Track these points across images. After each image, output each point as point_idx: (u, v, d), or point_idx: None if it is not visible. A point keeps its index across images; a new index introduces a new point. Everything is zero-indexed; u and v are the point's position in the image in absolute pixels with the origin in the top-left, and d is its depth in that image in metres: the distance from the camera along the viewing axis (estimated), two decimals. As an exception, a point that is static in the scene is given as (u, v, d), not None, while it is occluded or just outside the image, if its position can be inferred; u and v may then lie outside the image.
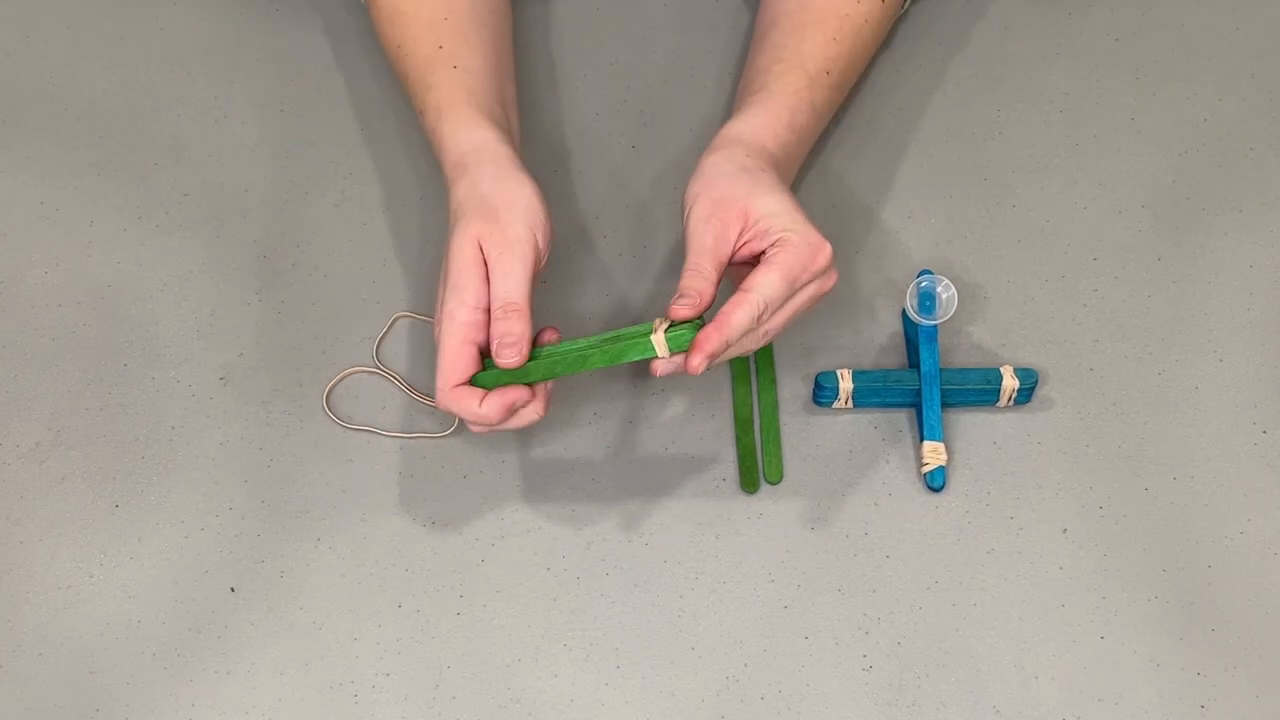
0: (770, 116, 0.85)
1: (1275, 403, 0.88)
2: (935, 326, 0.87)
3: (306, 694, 0.80)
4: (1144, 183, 0.96)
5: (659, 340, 0.77)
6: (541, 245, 0.80)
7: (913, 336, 0.88)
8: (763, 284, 0.77)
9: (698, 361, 0.76)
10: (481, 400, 0.78)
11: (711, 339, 0.76)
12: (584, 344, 0.79)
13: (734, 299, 0.77)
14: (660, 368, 0.78)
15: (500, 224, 0.79)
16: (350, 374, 0.90)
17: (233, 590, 0.83)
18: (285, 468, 0.87)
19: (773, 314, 0.78)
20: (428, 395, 0.89)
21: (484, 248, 0.79)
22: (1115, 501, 0.85)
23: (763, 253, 0.79)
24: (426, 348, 0.90)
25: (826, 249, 0.79)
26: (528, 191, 0.81)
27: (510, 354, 0.78)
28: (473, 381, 0.78)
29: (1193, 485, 0.86)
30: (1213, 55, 1.01)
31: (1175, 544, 0.84)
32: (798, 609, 0.82)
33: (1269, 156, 0.97)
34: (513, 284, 0.78)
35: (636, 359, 0.78)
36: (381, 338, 0.91)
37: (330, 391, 0.89)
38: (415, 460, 0.87)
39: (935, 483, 0.85)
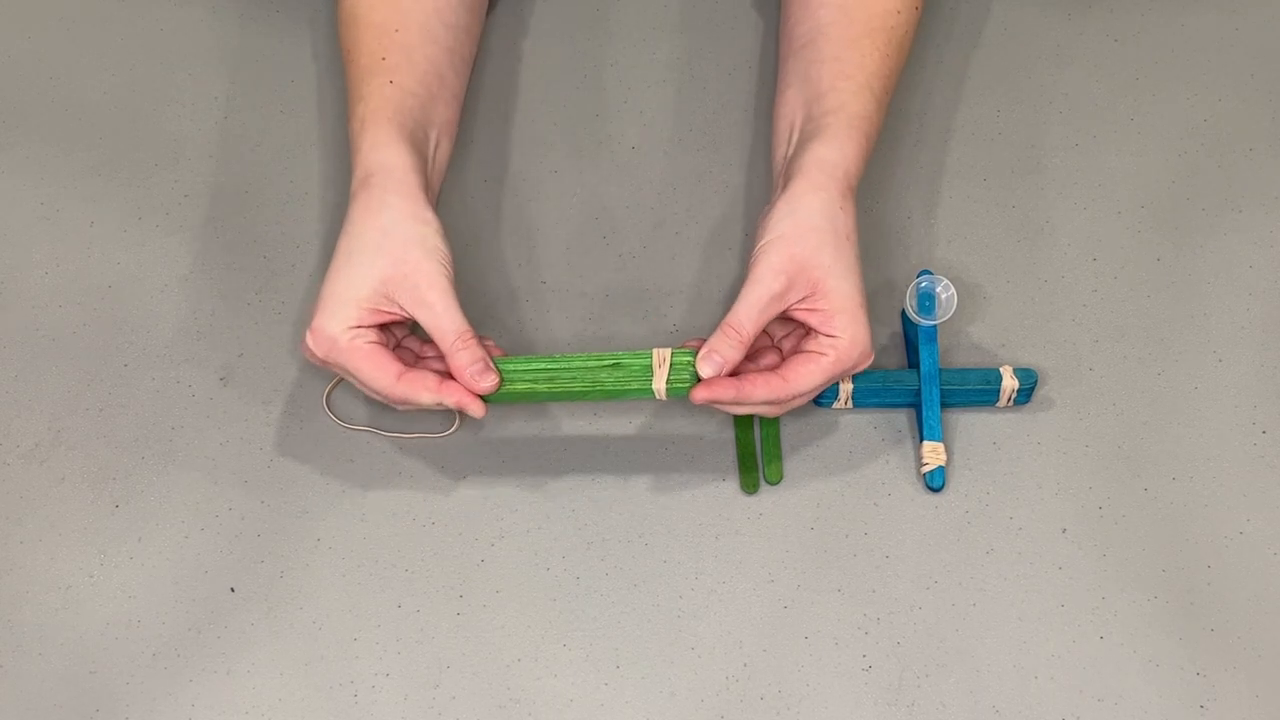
0: (856, 146, 0.85)
1: (1275, 403, 0.88)
2: (935, 327, 0.87)
3: (306, 694, 0.80)
4: (1144, 183, 0.96)
5: (659, 389, 0.80)
6: (450, 275, 0.81)
7: (912, 337, 0.88)
8: (802, 378, 0.80)
9: (702, 397, 0.79)
10: (438, 385, 0.79)
11: (727, 391, 0.79)
12: (577, 362, 0.80)
13: (766, 375, 0.80)
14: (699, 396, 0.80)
15: (408, 266, 0.79)
16: (350, 374, 0.90)
17: (233, 590, 0.83)
18: (285, 468, 0.87)
19: (796, 399, 0.81)
20: (428, 395, 0.89)
21: (392, 292, 0.79)
22: (1115, 502, 0.85)
23: (809, 331, 0.81)
24: (426, 348, 0.90)
25: (870, 356, 0.81)
26: (431, 231, 0.81)
27: (488, 378, 0.79)
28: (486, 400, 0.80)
29: (1192, 485, 0.86)
30: (1213, 55, 1.01)
31: (1175, 544, 0.84)
32: (798, 609, 0.82)
33: (1269, 156, 0.97)
34: (453, 316, 0.79)
35: (635, 398, 0.81)
36: (381, 338, 0.91)
37: (330, 391, 0.89)
38: (415, 460, 0.87)
39: (935, 483, 0.85)
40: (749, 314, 0.79)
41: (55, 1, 1.04)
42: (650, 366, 0.80)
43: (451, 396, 0.79)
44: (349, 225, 0.81)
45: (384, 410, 0.88)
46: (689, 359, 0.80)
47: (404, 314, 0.80)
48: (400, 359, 0.80)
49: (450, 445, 0.88)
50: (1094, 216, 0.95)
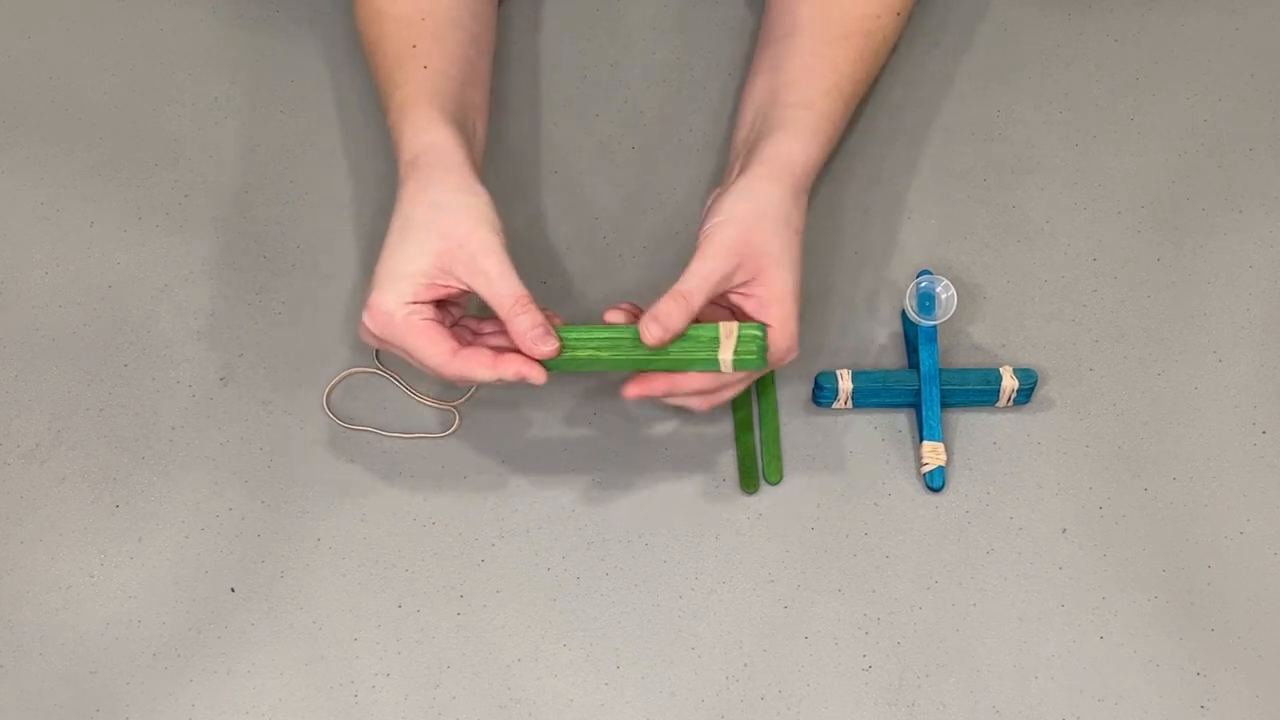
0: (818, 146, 0.85)
1: (1275, 403, 0.88)
2: (935, 327, 0.87)
3: (306, 694, 0.80)
4: (1144, 183, 0.96)
5: (726, 360, 0.78)
6: (504, 243, 0.80)
7: (912, 337, 0.88)
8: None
9: (634, 392, 0.79)
10: (494, 360, 0.78)
11: (659, 386, 0.79)
12: (620, 334, 0.79)
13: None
14: (631, 392, 0.80)
15: (461, 235, 0.78)
16: (350, 374, 0.90)
17: (233, 590, 0.83)
18: (285, 468, 0.87)
19: (726, 389, 0.81)
20: (428, 395, 0.89)
21: (448, 266, 0.78)
22: (1115, 502, 0.85)
23: (735, 318, 0.81)
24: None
25: (796, 351, 0.81)
26: (483, 203, 0.80)
27: (549, 342, 0.77)
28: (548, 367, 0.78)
29: (1192, 485, 0.86)
30: (1213, 55, 1.01)
31: (1175, 544, 0.84)
32: (798, 609, 0.82)
33: (1269, 156, 0.97)
34: (510, 281, 0.78)
35: (700, 370, 0.79)
36: (381, 338, 0.91)
37: (330, 391, 0.89)
38: (415, 460, 0.87)
39: (935, 483, 0.85)
40: (700, 285, 0.78)
41: (55, 1, 1.04)
42: (717, 338, 0.78)
43: (510, 368, 0.78)
44: (400, 205, 0.81)
45: (384, 410, 0.88)
46: (757, 333, 0.78)
47: (461, 286, 0.79)
48: (457, 337, 0.80)
49: (450, 445, 0.88)
50: (1094, 216, 0.95)
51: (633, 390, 0.79)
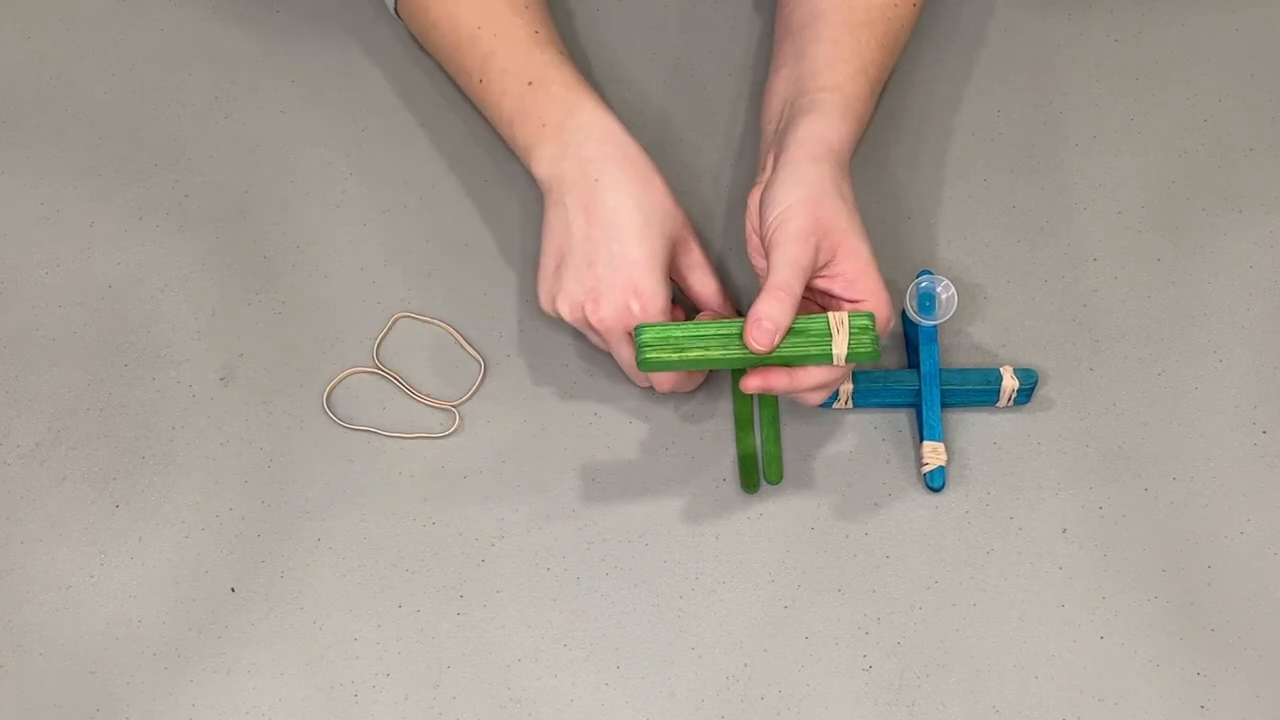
0: (849, 127, 0.85)
1: (1275, 403, 0.88)
2: (935, 327, 0.87)
3: (306, 694, 0.80)
4: (1144, 183, 0.96)
5: (840, 354, 0.77)
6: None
7: (912, 337, 0.88)
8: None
9: (755, 385, 0.78)
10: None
11: (780, 382, 0.78)
12: (731, 329, 0.78)
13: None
14: (750, 385, 0.79)
15: (681, 233, 0.83)
16: (350, 374, 0.90)
17: (233, 590, 0.83)
18: (285, 468, 0.87)
19: (842, 374, 0.80)
20: (428, 395, 0.89)
21: (674, 256, 0.83)
22: (1115, 502, 0.85)
23: (822, 305, 0.81)
24: (426, 348, 0.90)
25: (894, 318, 0.82)
26: (672, 202, 0.84)
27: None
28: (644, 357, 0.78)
29: (1192, 485, 0.86)
30: (1213, 55, 1.01)
31: (1175, 544, 0.84)
32: (798, 609, 0.82)
33: (1269, 156, 0.97)
34: (713, 274, 0.85)
35: (814, 364, 0.78)
36: (382, 338, 0.91)
37: (330, 391, 0.89)
38: (415, 460, 0.87)
39: (935, 483, 0.85)
40: (794, 274, 0.77)
41: (55, 1, 1.04)
42: (828, 331, 0.77)
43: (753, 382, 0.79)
44: (607, 196, 0.81)
45: (384, 410, 0.88)
46: (867, 321, 0.77)
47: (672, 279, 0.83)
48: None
49: (450, 445, 0.88)
50: (1094, 216, 0.95)
51: (752, 383, 0.78)
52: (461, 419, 0.88)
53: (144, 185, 0.97)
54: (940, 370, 0.87)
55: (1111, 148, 0.97)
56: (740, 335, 0.77)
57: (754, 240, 0.83)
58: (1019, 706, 0.80)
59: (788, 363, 0.78)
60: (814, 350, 0.77)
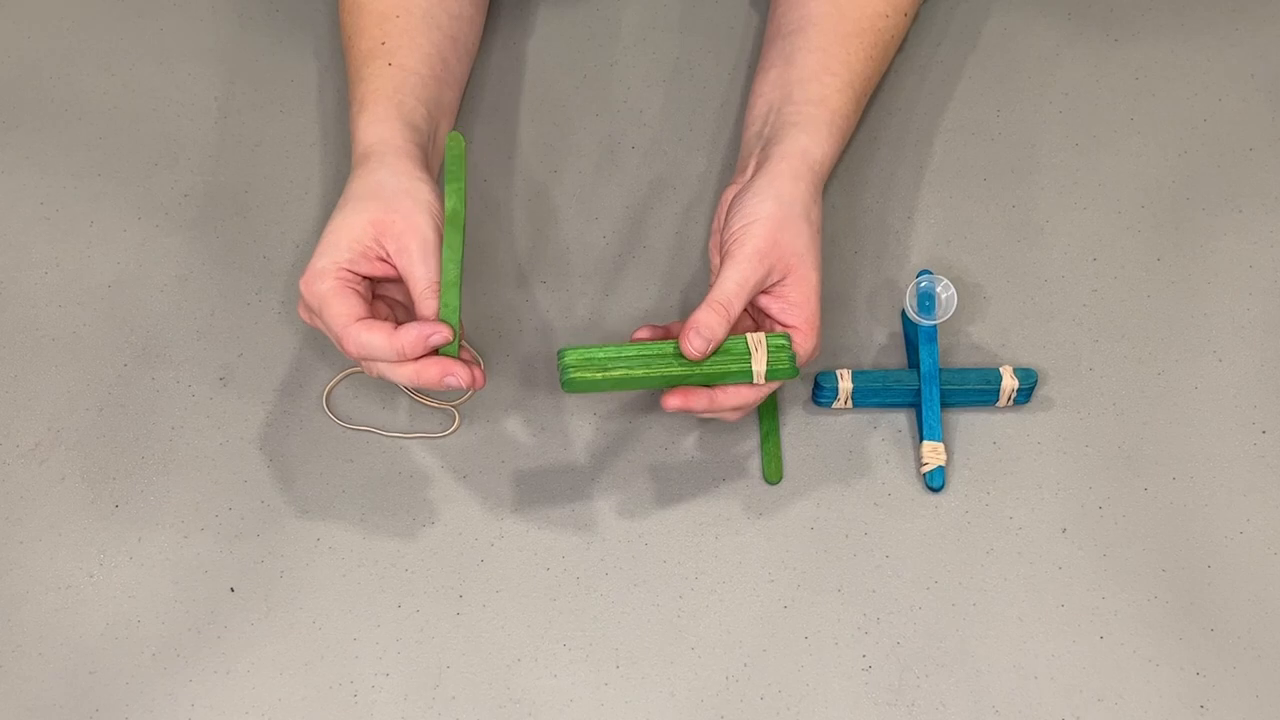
0: (833, 145, 0.86)
1: (1275, 403, 0.88)
2: (935, 326, 0.87)
3: (306, 694, 0.80)
4: (1144, 183, 0.96)
5: (759, 371, 0.78)
6: (437, 232, 0.80)
7: (912, 336, 0.88)
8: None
9: (675, 404, 0.78)
10: (394, 330, 0.77)
11: (700, 402, 0.79)
12: (670, 348, 0.78)
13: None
14: (671, 403, 0.79)
15: (399, 211, 0.79)
16: (350, 374, 0.90)
17: (233, 590, 0.83)
18: (285, 468, 0.87)
19: (755, 401, 0.81)
20: (428, 396, 0.89)
21: (380, 237, 0.79)
22: (1115, 501, 0.85)
23: (756, 322, 0.82)
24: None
25: (818, 352, 0.82)
26: (425, 190, 0.81)
27: (442, 331, 0.77)
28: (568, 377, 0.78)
29: (1192, 485, 0.86)
30: (1213, 55, 1.01)
31: (1175, 544, 0.84)
32: (798, 609, 0.82)
33: (1269, 156, 0.97)
34: (430, 266, 0.79)
35: (733, 382, 0.79)
36: (381, 338, 0.91)
37: (330, 391, 0.89)
38: (415, 460, 0.87)
39: (935, 483, 0.85)
40: (737, 292, 0.78)
41: (55, 1, 1.04)
42: (748, 351, 0.79)
43: (408, 336, 0.77)
44: (346, 188, 0.82)
45: (384, 410, 0.88)
46: (784, 341, 0.79)
47: (388, 263, 0.79)
48: (374, 311, 0.79)
49: (450, 445, 0.88)
50: (1094, 216, 0.95)
51: (673, 402, 0.79)
52: (461, 419, 0.88)
53: (144, 185, 0.97)
54: (940, 370, 0.87)
55: (1111, 148, 0.97)
56: (663, 356, 0.78)
57: (715, 238, 0.84)
58: (1019, 706, 0.80)
59: (709, 380, 0.79)
60: (734, 367, 0.79)
